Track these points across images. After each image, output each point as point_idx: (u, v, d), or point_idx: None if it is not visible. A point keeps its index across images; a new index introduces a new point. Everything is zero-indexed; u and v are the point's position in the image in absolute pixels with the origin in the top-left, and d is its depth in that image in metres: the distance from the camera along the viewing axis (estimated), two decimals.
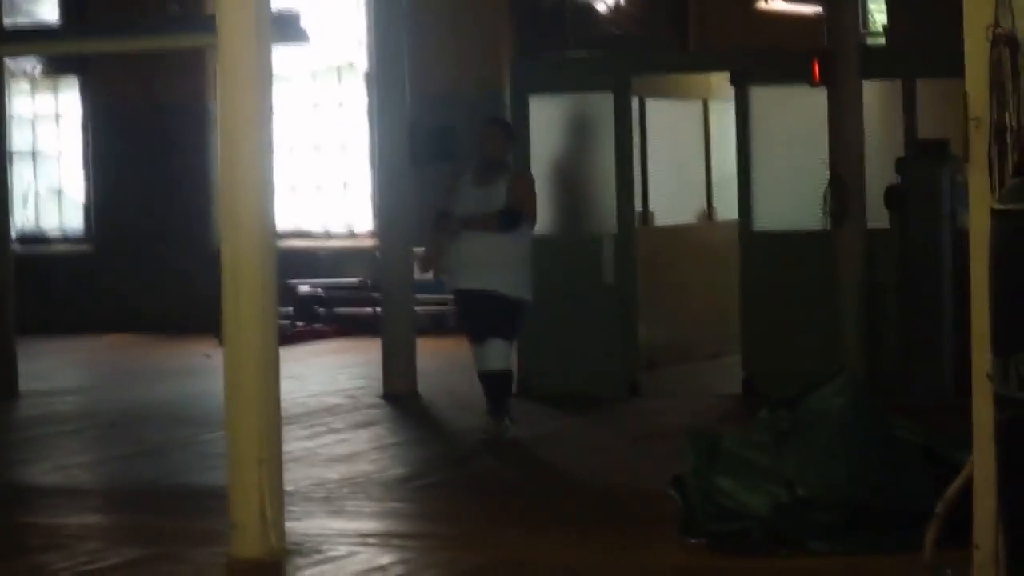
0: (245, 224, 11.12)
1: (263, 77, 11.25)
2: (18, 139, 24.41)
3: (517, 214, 14.61)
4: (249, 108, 11.18)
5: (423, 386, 18.08)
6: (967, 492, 9.59)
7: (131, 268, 25.77)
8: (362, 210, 25.11)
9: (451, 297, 15.06)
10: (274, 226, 11.30)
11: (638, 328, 17.95)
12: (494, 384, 14.84)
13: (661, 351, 18.39)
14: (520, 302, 14.78)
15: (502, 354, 14.74)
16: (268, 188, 11.22)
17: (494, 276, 14.55)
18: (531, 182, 15.27)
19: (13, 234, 20.36)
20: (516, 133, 18.15)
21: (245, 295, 11.09)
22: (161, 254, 25.52)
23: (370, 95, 24.34)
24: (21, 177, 24.66)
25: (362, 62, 24.95)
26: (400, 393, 17.87)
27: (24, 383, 19.14)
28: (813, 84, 16.93)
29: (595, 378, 17.58)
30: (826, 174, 16.76)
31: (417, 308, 19.26)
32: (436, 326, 22.22)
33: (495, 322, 14.68)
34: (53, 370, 20.71)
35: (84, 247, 26.66)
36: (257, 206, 11.14)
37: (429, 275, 16.19)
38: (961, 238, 12.66)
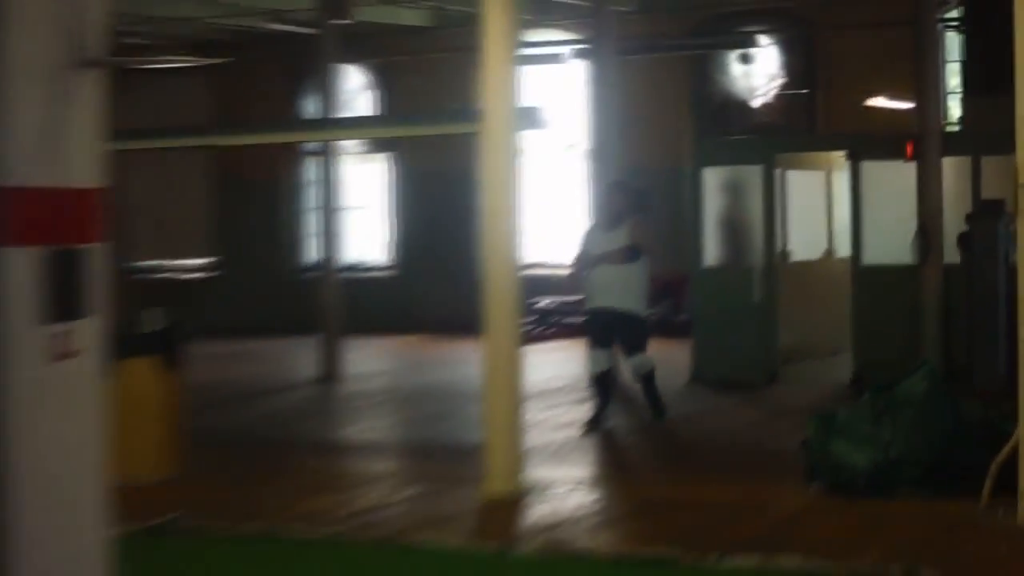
0: (499, 258, 11.15)
1: (513, 153, 11.28)
2: (346, 197, 24.55)
3: (637, 249, 14.16)
4: (503, 175, 11.22)
5: (625, 375, 17.96)
6: (1015, 453, 9.43)
7: (422, 287, 25.93)
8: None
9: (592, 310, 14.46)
10: (519, 259, 11.32)
11: (777, 334, 17.78)
12: (649, 383, 14.32)
13: (793, 350, 18.17)
14: (641, 316, 14.21)
15: (646, 361, 14.22)
16: (515, 232, 11.24)
17: (622, 296, 14.02)
18: (647, 226, 14.76)
19: (340, 264, 20.49)
20: (694, 195, 18.19)
21: (498, 307, 11.12)
22: (444, 277, 25.64)
23: (589, 165, 24.38)
24: (347, 224, 24.79)
25: (583, 142, 24.97)
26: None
27: (347, 370, 19.27)
28: (907, 160, 16.72)
29: (746, 369, 17.41)
30: (915, 224, 16.53)
31: None
32: None
33: (632, 338, 14.12)
34: (367, 361, 20.84)
35: (390, 272, 26.86)
36: (507, 245, 11.17)
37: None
38: (1011, 271, 12.35)
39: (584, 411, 15.00)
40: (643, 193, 22.50)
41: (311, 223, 26.55)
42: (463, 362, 20.56)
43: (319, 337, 19.53)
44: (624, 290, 14.10)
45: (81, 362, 4.14)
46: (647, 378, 14.33)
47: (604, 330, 14.16)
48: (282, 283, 26.94)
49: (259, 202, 27.34)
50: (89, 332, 4.17)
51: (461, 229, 25.95)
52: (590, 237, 14.56)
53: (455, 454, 13.01)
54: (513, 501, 10.68)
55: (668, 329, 23.04)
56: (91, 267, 4.17)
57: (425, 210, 26.34)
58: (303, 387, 18.52)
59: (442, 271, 25.81)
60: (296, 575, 8.73)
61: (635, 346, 14.21)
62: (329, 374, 18.96)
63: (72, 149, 4.10)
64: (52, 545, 4.10)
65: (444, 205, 26.05)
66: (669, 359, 19.52)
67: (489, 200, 11.26)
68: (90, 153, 4.17)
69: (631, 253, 14.09)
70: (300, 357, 21.20)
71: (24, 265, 4.02)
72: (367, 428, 15.25)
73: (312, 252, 26.53)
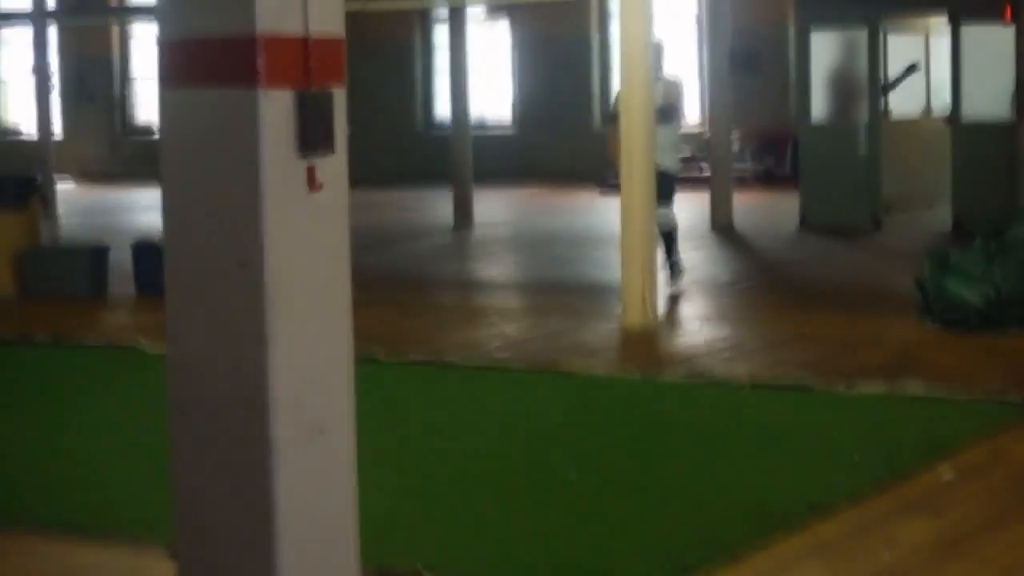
0: (635, 110, 11.17)
1: (647, 11, 11.21)
2: (471, 60, 24.53)
3: (670, 108, 12.99)
4: (638, 32, 11.17)
5: (738, 222, 18.02)
6: None
7: (539, 142, 26.03)
8: (692, 105, 24.97)
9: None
10: (653, 111, 11.33)
11: (881, 184, 17.72)
12: (669, 240, 13.09)
13: (895, 200, 18.09)
14: (670, 173, 12.88)
15: (670, 217, 13.04)
16: (650, 85, 11.26)
17: (655, 155, 11.98)
18: (680, 87, 13.56)
19: (468, 121, 20.51)
20: (800, 57, 18.10)
21: (634, 156, 11.16)
22: (559, 133, 25.71)
23: (699, 29, 24.27)
24: (472, 84, 24.85)
25: (695, 6, 24.89)
26: (723, 226, 17.82)
27: (477, 217, 19.42)
28: (1005, 22, 16.50)
29: (851, 216, 17.39)
30: (1012, 83, 16.36)
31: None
32: (742, 183, 21.98)
33: (658, 191, 11.97)
34: (494, 209, 20.99)
35: (510, 130, 26.93)
36: (643, 98, 11.19)
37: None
38: None
39: (704, 255, 15.19)
40: (753, 54, 22.46)
41: (440, 83, 26.65)
42: (579, 210, 20.72)
43: (450, 187, 19.68)
44: (657, 150, 12.21)
45: (330, 194, 4.29)
46: (668, 235, 13.08)
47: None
48: (414, 139, 27.12)
49: (392, 63, 27.45)
50: (336, 167, 4.31)
51: (574, 89, 26.00)
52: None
53: (588, 291, 13.12)
54: (649, 334, 10.83)
55: (774, 181, 23.08)
56: (335, 108, 4.31)
57: (542, 72, 26.34)
58: (440, 232, 18.69)
59: (557, 128, 25.88)
60: (464, 397, 8.94)
61: (660, 198, 12.34)
62: (462, 221, 19.14)
63: (316, 1, 4.23)
64: (303, 357, 4.27)
65: (558, 67, 26.07)
66: (777, 208, 19.60)
67: (625, 56, 11.23)
68: (332, 5, 4.30)
69: (664, 112, 12.77)
70: (433, 206, 21.41)
71: (279, 104, 4.17)
72: (504, 268, 15.40)
73: (441, 110, 26.64)
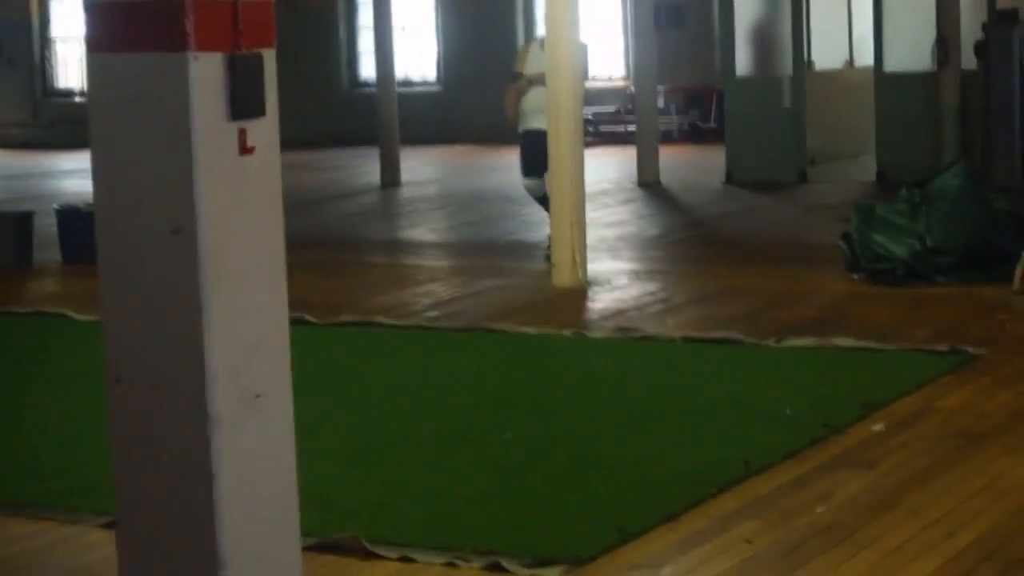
0: (562, 68, 11.13)
1: None
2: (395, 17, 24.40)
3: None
4: None
5: (664, 177, 18.04)
6: None
7: (465, 100, 25.91)
8: (617, 61, 24.98)
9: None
10: (579, 69, 11.30)
11: (805, 137, 17.78)
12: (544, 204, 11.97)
13: (819, 152, 18.18)
14: None
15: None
16: (576, 45, 11.23)
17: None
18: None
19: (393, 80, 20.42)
20: (724, 11, 18.12)
21: (562, 113, 11.12)
22: (483, 91, 25.59)
23: None
24: (397, 43, 24.72)
25: None
26: (649, 182, 17.85)
27: (404, 177, 19.34)
28: None
29: (776, 169, 17.46)
30: (934, 33, 16.44)
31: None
32: (667, 138, 22.03)
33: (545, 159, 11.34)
34: (421, 168, 20.93)
35: (436, 88, 26.80)
36: (569, 56, 11.16)
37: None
38: None
39: (631, 210, 15.20)
40: (677, 8, 22.43)
41: (364, 41, 26.46)
42: (507, 169, 20.62)
43: (377, 147, 19.58)
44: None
45: (262, 157, 4.25)
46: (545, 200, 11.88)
47: (536, 154, 11.78)
48: (339, 98, 26.94)
49: (314, 21, 27.23)
50: (267, 130, 4.27)
51: (499, 44, 25.89)
52: (528, 55, 12.46)
53: (516, 251, 13.11)
54: (579, 291, 10.83)
55: (700, 135, 23.12)
56: (266, 70, 4.27)
57: (466, 27, 26.22)
58: (367, 192, 18.62)
59: (482, 84, 25.77)
60: (396, 358, 8.90)
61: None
62: (389, 180, 19.06)
63: None
64: (240, 322, 4.24)
65: (482, 22, 25.94)
66: (703, 162, 19.66)
67: (551, 15, 11.19)
68: None
69: None
70: (359, 166, 21.31)
71: (209, 67, 4.12)
72: (432, 228, 15.35)
73: (366, 69, 26.47)
